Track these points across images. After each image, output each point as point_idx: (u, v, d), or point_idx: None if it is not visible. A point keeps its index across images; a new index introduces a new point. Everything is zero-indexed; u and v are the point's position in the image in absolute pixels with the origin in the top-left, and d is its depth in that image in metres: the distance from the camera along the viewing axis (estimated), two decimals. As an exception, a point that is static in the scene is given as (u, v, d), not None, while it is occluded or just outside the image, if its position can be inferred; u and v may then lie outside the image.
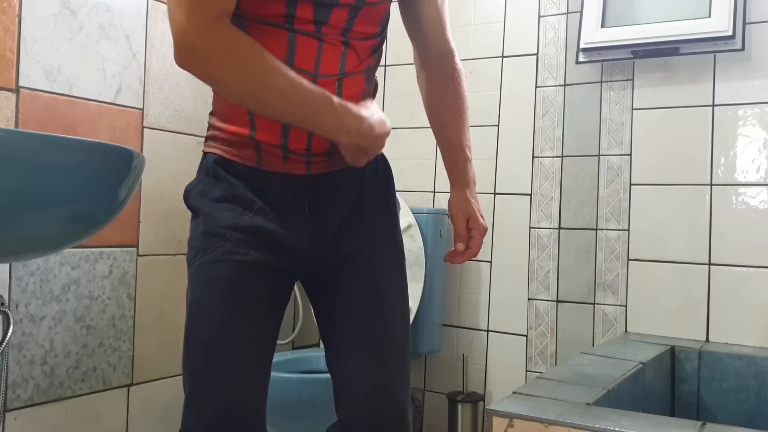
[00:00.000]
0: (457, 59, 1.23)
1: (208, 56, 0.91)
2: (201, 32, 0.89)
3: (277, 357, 1.94)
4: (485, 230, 1.21)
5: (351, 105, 1.00)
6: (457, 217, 1.20)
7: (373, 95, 1.15)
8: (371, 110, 1.03)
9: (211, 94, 1.12)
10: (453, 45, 1.22)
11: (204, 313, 1.04)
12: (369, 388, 1.07)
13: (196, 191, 1.10)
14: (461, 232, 1.19)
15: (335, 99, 0.98)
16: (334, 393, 1.10)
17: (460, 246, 1.19)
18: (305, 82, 0.96)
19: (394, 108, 2.33)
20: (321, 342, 1.18)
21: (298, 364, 1.94)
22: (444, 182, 2.24)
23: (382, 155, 1.21)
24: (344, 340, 1.11)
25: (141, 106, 1.80)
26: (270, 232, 1.05)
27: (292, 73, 0.95)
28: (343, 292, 1.11)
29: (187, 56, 0.91)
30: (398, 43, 2.32)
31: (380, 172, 1.18)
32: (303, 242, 1.08)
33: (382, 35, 1.12)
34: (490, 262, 2.17)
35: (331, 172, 1.10)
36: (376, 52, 1.13)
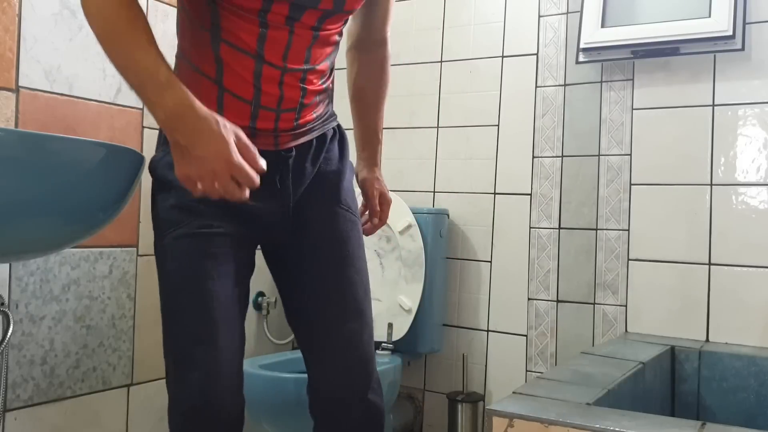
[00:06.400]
0: (390, 47, 1.36)
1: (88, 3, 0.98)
2: None
3: (277, 357, 1.95)
4: (390, 202, 1.39)
5: (188, 97, 0.95)
6: (372, 196, 1.36)
7: (329, 77, 1.21)
8: (214, 126, 0.95)
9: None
10: (389, 35, 1.35)
11: (184, 284, 1.08)
12: (337, 339, 1.16)
13: (165, 163, 1.11)
14: (376, 207, 1.35)
15: (168, 78, 0.95)
16: (302, 351, 1.20)
17: (376, 220, 1.36)
18: (154, 48, 0.96)
19: (393, 108, 2.32)
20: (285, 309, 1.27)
21: (298, 364, 1.92)
22: (444, 182, 2.24)
23: (339, 126, 1.27)
24: (310, 301, 1.19)
25: (141, 106, 1.80)
26: (239, 204, 1.07)
27: (150, 39, 0.97)
28: (307, 256, 1.19)
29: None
30: (398, 43, 2.32)
31: (336, 139, 1.26)
32: (272, 211, 1.14)
33: (345, 24, 1.20)
34: (490, 262, 2.17)
35: (297, 145, 1.16)
36: (340, 36, 1.19)
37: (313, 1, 1.06)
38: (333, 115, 1.26)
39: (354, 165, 1.34)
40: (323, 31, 1.11)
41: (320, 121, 1.20)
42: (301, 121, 1.14)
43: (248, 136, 1.06)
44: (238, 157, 0.94)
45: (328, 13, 1.09)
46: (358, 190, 1.35)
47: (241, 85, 1.07)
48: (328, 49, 1.16)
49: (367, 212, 1.37)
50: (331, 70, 1.21)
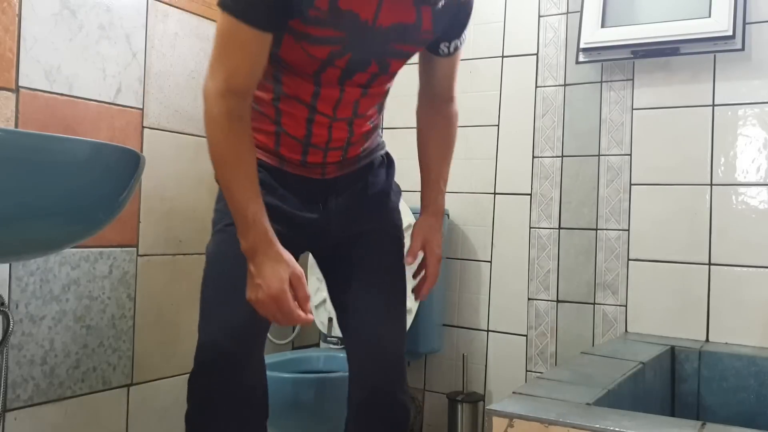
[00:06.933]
0: (456, 104, 1.41)
1: (209, 118, 1.10)
2: (216, 105, 1.08)
3: (277, 357, 1.95)
4: (439, 259, 1.37)
5: (266, 238, 1.08)
6: (415, 237, 1.37)
7: (377, 117, 1.32)
8: (276, 267, 1.07)
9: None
10: (455, 93, 1.40)
11: (224, 260, 1.21)
12: (378, 341, 1.29)
13: None
14: (415, 249, 1.36)
15: (254, 218, 1.08)
16: (347, 348, 1.32)
17: (410, 259, 1.35)
18: (248, 186, 1.09)
19: (394, 108, 2.32)
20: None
21: (298, 364, 1.94)
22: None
23: (387, 153, 1.39)
24: (354, 303, 1.31)
25: (141, 106, 1.80)
26: (288, 211, 1.24)
27: (248, 174, 1.09)
28: (354, 266, 1.32)
29: (205, 108, 1.10)
30: (398, 43, 2.33)
31: (384, 165, 1.38)
32: (319, 225, 1.28)
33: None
34: (490, 262, 2.17)
35: (342, 175, 1.30)
36: (389, 87, 1.29)
37: (362, 67, 1.17)
38: (380, 145, 1.38)
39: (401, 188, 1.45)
40: (371, 88, 1.23)
41: (366, 152, 1.33)
42: (348, 156, 1.28)
43: (299, 166, 1.26)
44: (284, 293, 1.06)
45: (375, 75, 1.20)
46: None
47: (295, 127, 1.22)
48: (376, 100, 1.27)
49: (422, 271, 1.37)
50: (380, 111, 1.32)
